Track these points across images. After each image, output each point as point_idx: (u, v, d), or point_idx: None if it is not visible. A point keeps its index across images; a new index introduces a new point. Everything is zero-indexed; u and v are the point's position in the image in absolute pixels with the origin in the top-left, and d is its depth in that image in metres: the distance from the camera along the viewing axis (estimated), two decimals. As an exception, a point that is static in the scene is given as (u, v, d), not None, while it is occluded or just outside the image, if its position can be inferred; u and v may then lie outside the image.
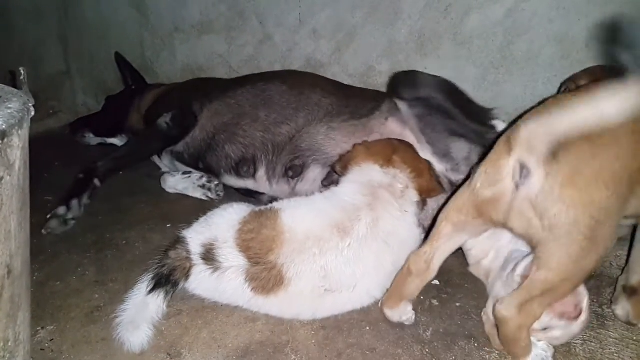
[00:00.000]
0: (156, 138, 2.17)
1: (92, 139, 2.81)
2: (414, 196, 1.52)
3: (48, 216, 1.88)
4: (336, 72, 2.50)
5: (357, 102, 2.02)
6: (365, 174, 1.53)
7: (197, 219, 1.51)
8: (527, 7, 2.03)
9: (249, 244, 1.36)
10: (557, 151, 1.01)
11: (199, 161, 2.18)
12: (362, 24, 2.38)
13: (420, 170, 1.58)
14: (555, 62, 2.04)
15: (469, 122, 1.81)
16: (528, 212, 1.07)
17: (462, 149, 1.80)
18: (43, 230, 1.84)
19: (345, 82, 2.43)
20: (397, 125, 1.89)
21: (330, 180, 1.77)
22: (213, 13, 2.73)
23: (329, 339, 1.34)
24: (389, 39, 2.34)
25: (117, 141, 2.75)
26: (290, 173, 1.96)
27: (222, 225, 1.43)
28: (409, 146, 1.71)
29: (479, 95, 2.21)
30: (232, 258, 1.35)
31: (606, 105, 0.89)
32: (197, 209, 1.64)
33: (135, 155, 2.19)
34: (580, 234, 1.03)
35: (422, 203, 1.56)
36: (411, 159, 1.60)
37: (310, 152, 1.95)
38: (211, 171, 2.17)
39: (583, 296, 1.22)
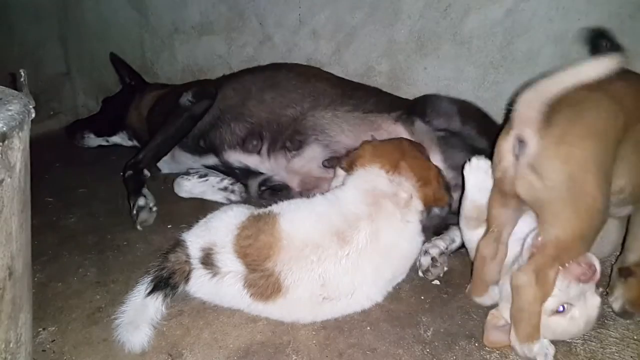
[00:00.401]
0: (184, 117, 2.15)
1: (92, 140, 2.80)
2: (418, 205, 1.48)
3: (133, 212, 1.91)
4: (336, 73, 2.48)
5: (359, 94, 2.04)
6: (370, 180, 1.48)
7: (198, 220, 1.52)
8: (527, 7, 2.03)
9: (246, 251, 1.34)
10: (546, 119, 1.14)
11: (200, 139, 2.18)
12: (362, 24, 2.38)
13: (428, 178, 1.51)
14: (555, 61, 2.04)
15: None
16: (529, 175, 1.17)
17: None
18: (138, 226, 1.88)
19: (346, 83, 2.44)
20: (404, 131, 1.90)
21: (332, 163, 1.75)
22: (213, 14, 2.73)
23: (329, 339, 1.35)
24: (389, 39, 2.34)
25: (118, 139, 2.74)
26: (289, 144, 1.97)
27: (221, 229, 1.42)
28: (420, 149, 1.66)
29: (479, 95, 2.22)
30: (230, 263, 1.35)
31: (583, 71, 1.09)
32: (198, 210, 1.64)
33: (169, 140, 2.16)
34: (579, 188, 1.13)
35: (427, 211, 1.52)
36: (419, 165, 1.53)
37: (314, 131, 1.96)
38: (212, 149, 2.16)
39: (594, 258, 1.25)
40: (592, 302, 1.25)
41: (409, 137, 1.85)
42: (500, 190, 1.30)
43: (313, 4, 2.45)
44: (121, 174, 2.08)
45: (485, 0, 2.10)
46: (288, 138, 1.99)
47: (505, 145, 1.22)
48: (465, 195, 1.47)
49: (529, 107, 1.15)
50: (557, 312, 1.23)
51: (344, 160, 1.63)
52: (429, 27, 2.24)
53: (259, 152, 2.06)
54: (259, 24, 2.63)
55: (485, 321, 1.35)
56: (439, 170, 1.62)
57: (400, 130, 1.90)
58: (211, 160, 2.20)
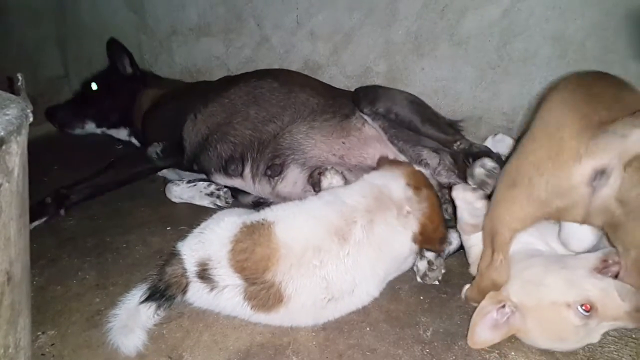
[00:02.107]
0: (145, 167, 2.14)
1: (88, 128, 2.72)
2: (414, 226, 1.46)
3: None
4: (334, 74, 2.50)
5: (342, 101, 2.06)
6: (386, 179, 1.52)
7: (197, 222, 1.51)
8: (523, 7, 2.03)
9: (243, 265, 1.31)
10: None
11: (194, 163, 2.18)
12: (359, 25, 2.38)
13: (434, 217, 1.50)
14: (552, 61, 2.05)
15: (433, 132, 1.89)
16: (612, 206, 1.14)
17: (432, 157, 1.85)
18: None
19: (343, 84, 2.45)
20: (374, 131, 1.94)
21: (315, 179, 1.78)
22: (211, 15, 2.73)
23: (329, 340, 1.35)
24: (386, 40, 2.35)
25: (114, 133, 2.72)
26: (269, 172, 1.97)
27: (214, 242, 1.37)
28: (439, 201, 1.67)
29: (476, 95, 2.23)
30: (228, 278, 1.32)
31: None
32: (196, 212, 1.64)
33: (117, 184, 2.13)
34: None
35: (419, 243, 1.49)
36: (436, 204, 1.54)
37: (290, 150, 1.97)
38: (203, 170, 2.16)
39: None
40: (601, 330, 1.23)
41: (379, 136, 1.93)
42: (548, 215, 1.23)
43: (310, 5, 2.46)
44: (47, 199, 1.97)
45: (482, 0, 2.10)
46: (268, 163, 1.99)
47: (577, 176, 1.15)
48: (459, 217, 1.52)
49: (613, 150, 1.11)
50: (580, 309, 1.19)
51: (381, 161, 1.68)
52: (426, 27, 2.25)
53: (241, 175, 2.05)
54: (257, 26, 2.63)
55: (474, 317, 1.30)
56: (445, 224, 1.60)
57: (368, 132, 1.96)
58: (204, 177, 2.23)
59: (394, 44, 2.34)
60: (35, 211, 1.90)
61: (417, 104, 1.97)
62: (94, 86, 2.70)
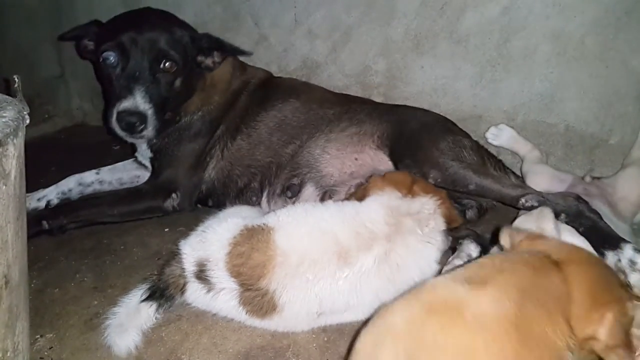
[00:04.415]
0: (156, 214, 2.03)
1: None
2: (440, 224, 1.40)
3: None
4: (332, 73, 2.49)
5: (356, 107, 2.04)
6: (387, 200, 1.41)
7: (195, 223, 1.49)
8: (523, 5, 2.03)
9: (239, 270, 1.29)
10: None
11: (209, 199, 2.11)
12: (358, 23, 2.37)
13: (442, 197, 1.46)
14: (552, 59, 2.04)
15: (490, 188, 1.67)
16: None
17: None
18: None
19: (342, 82, 2.45)
20: (385, 157, 1.90)
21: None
22: (208, 14, 2.72)
23: (330, 342, 1.34)
24: (385, 38, 2.34)
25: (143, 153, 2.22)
26: (289, 193, 1.92)
27: (214, 243, 1.35)
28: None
29: (476, 93, 2.22)
30: (224, 281, 1.30)
31: None
32: (195, 213, 1.62)
33: (124, 220, 1.98)
34: None
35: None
36: (431, 187, 1.51)
37: (307, 169, 1.93)
38: (219, 205, 2.07)
39: None
40: None
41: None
42: None
43: (309, 3, 2.44)
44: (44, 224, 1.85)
45: (481, -2, 2.10)
46: (285, 184, 1.94)
47: None
48: None
49: None
50: None
51: (353, 195, 1.57)
52: (426, 25, 2.24)
53: (259, 204, 2.01)
54: (254, 24, 2.61)
55: None
56: (446, 193, 1.53)
57: (380, 157, 1.89)
58: None
59: (393, 42, 2.33)
60: (30, 232, 1.82)
61: (465, 162, 1.72)
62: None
